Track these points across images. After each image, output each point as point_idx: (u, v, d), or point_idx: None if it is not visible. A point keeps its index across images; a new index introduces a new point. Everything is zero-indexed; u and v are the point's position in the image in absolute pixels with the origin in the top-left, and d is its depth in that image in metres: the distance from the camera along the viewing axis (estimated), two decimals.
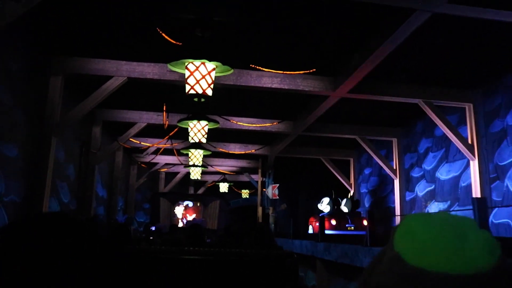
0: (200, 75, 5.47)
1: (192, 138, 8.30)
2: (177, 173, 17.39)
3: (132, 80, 7.41)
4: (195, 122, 8.21)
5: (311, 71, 6.14)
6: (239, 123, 9.31)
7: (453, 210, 8.39)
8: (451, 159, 8.74)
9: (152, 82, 7.31)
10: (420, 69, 7.44)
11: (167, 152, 13.35)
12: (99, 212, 11.39)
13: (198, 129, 8.27)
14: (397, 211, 10.31)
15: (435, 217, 0.67)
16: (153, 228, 12.27)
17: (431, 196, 9.33)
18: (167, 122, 8.96)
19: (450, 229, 0.64)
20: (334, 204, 11.27)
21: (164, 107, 8.29)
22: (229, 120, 9.22)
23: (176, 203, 16.39)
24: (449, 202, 8.67)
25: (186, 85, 5.51)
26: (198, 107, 8.42)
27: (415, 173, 10.12)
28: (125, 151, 13.68)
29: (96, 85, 7.16)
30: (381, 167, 11.98)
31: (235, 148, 12.84)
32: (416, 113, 9.94)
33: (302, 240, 8.62)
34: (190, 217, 16.10)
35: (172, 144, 11.46)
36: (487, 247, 0.63)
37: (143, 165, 14.92)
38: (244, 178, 18.12)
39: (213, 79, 5.58)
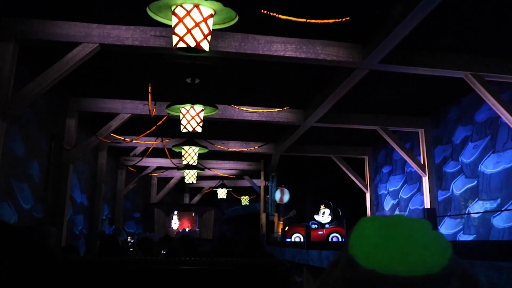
0: (193, 22, 3.94)
1: (185, 127, 6.75)
2: (171, 178, 15.85)
3: (109, 52, 5.94)
4: (188, 107, 6.66)
5: (343, 19, 4.61)
6: (241, 108, 7.76)
7: (506, 209, 6.86)
8: (499, 148, 7.21)
9: (132, 51, 5.79)
10: (468, 34, 5.97)
11: (158, 153, 11.80)
12: (77, 221, 9.78)
13: (191, 116, 6.72)
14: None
15: (388, 220, 0.66)
16: (132, 240, 11.14)
17: (473, 194, 7.78)
18: (154, 109, 7.39)
19: (401, 231, 0.63)
20: (335, 214, 11.55)
21: (150, 88, 6.73)
22: (229, 105, 7.67)
23: (172, 213, 15.63)
24: (499, 200, 7.12)
25: (174, 37, 3.98)
26: (193, 90, 6.93)
27: (450, 168, 8.58)
28: (111, 153, 12.11)
29: (62, 56, 5.64)
30: (404, 164, 10.49)
31: (235, 146, 11.28)
32: (448, 98, 8.50)
33: (321, 250, 7.05)
34: (183, 229, 15.05)
35: (162, 141, 9.90)
36: (437, 248, 0.62)
37: (132, 169, 13.30)
38: (244, 183, 16.65)
39: (211, 29, 4.06)
